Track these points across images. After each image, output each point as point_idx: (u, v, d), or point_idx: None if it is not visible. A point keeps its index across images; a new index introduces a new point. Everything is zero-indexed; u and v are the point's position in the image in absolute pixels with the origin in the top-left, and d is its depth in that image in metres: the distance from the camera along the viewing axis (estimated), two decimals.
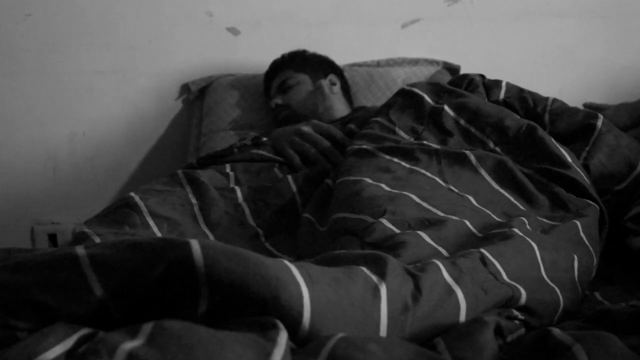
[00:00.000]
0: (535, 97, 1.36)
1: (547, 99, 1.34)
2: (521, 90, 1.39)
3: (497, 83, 1.40)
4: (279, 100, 1.70)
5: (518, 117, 1.26)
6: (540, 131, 1.20)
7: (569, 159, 1.15)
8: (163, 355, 0.54)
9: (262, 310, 0.62)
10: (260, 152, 1.37)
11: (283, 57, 1.81)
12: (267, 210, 1.19)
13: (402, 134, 1.26)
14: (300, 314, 0.63)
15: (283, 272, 0.64)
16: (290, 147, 1.38)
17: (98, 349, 0.54)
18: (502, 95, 1.37)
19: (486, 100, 1.35)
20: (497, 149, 1.20)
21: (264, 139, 1.45)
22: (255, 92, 1.92)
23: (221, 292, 0.61)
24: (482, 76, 1.43)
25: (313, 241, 1.08)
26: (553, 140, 1.18)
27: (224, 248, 0.63)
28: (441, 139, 1.24)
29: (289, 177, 1.25)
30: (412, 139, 1.24)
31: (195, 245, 0.62)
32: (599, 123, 1.24)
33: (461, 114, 1.26)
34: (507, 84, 1.40)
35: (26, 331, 0.60)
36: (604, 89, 2.11)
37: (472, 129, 1.24)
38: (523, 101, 1.35)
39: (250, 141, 1.45)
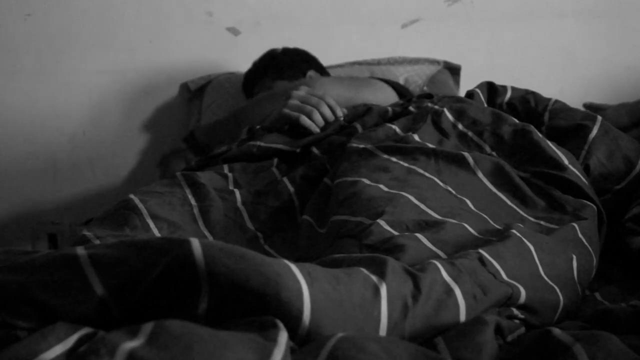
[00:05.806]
0: (537, 97, 1.37)
1: (549, 99, 1.35)
2: (526, 92, 1.39)
3: (504, 87, 1.41)
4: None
5: (516, 121, 1.26)
6: (536, 134, 1.19)
7: (566, 161, 1.14)
8: (163, 355, 0.54)
9: (263, 307, 0.62)
10: (257, 143, 1.37)
11: (256, 67, 1.79)
12: (265, 213, 1.19)
13: (398, 128, 1.27)
14: (300, 311, 0.63)
15: (283, 269, 0.64)
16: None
17: (98, 349, 0.54)
18: (507, 97, 1.39)
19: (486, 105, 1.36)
20: (494, 153, 1.20)
21: (257, 127, 1.44)
22: None
23: (222, 289, 0.61)
24: (491, 83, 1.43)
25: (312, 243, 1.08)
26: (549, 142, 1.18)
27: (224, 246, 0.63)
28: (438, 139, 1.24)
29: (285, 179, 1.25)
30: (410, 133, 1.24)
31: (195, 243, 0.62)
32: (598, 123, 1.24)
33: (459, 119, 1.26)
34: (513, 87, 1.41)
35: (26, 331, 0.61)
36: (604, 89, 2.11)
37: (470, 133, 1.24)
38: (525, 102, 1.36)
39: (245, 134, 1.45)
